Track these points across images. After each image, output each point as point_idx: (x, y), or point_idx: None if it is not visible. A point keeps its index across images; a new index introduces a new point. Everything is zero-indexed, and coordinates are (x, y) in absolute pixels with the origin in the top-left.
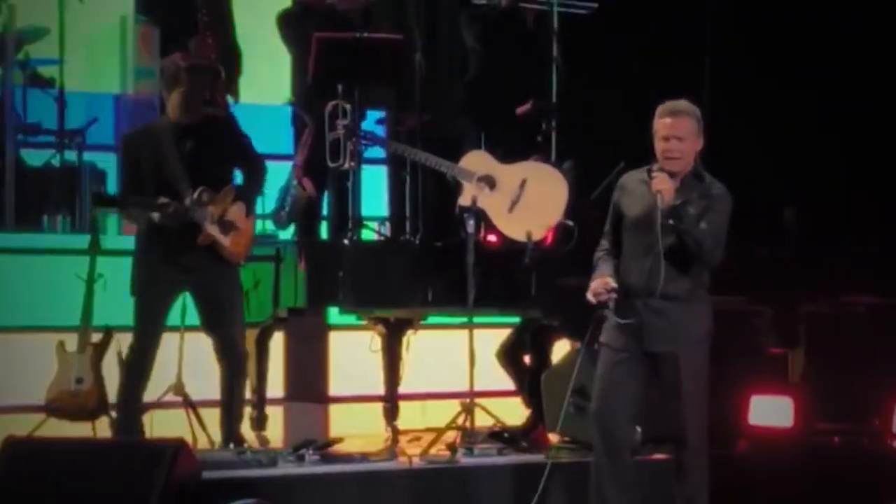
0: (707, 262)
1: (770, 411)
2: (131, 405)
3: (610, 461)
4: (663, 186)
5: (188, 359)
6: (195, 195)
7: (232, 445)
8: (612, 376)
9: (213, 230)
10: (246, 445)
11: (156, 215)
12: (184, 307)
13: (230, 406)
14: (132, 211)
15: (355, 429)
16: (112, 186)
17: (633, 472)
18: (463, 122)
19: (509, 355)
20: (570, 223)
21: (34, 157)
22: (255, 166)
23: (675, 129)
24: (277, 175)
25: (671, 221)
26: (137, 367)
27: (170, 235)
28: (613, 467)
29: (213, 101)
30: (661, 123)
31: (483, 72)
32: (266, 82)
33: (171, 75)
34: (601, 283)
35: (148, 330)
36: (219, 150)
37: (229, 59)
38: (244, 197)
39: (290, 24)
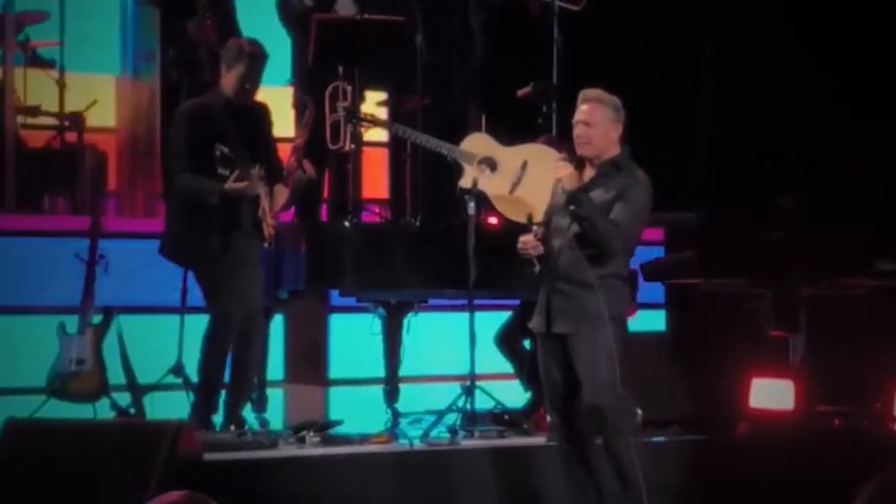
0: (607, 253)
1: (771, 394)
2: (213, 382)
3: (574, 444)
4: (562, 174)
5: (188, 340)
6: (256, 169)
7: (233, 427)
8: (540, 360)
9: (265, 205)
10: (246, 427)
11: (242, 183)
12: (184, 288)
13: (241, 386)
14: (204, 181)
15: (355, 411)
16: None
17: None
18: (464, 104)
19: (508, 339)
20: (573, 206)
21: (34, 139)
22: (277, 163)
23: (585, 115)
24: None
25: (571, 207)
26: (221, 341)
27: (227, 210)
28: (579, 447)
29: None
30: (577, 110)
31: (487, 56)
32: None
33: (233, 56)
34: (531, 237)
35: (235, 302)
36: (262, 137)
37: None
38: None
39: (289, 6)
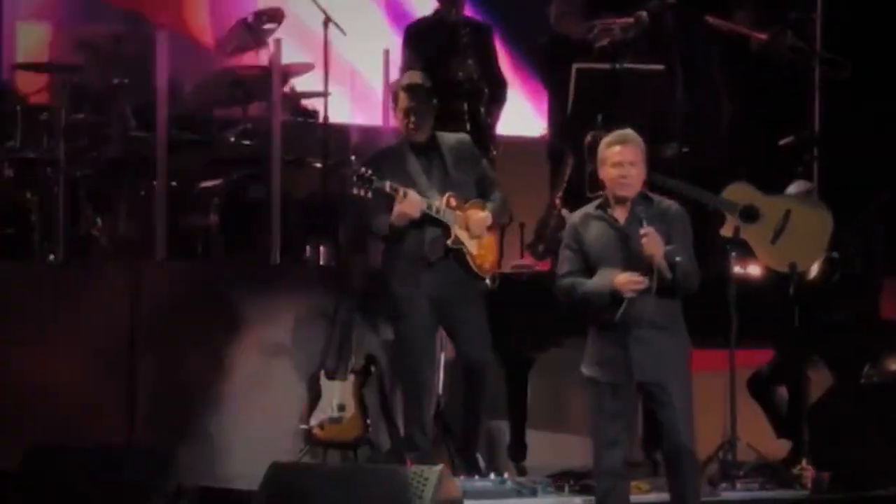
0: (689, 291)
1: None
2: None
3: (613, 490)
4: (654, 250)
5: (451, 385)
6: (444, 199)
7: (492, 475)
8: (603, 412)
9: (461, 234)
10: (506, 475)
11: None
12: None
13: (468, 430)
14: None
15: None
16: None
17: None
18: (723, 154)
19: (762, 387)
20: (836, 255)
21: (299, 189)
22: (491, 188)
23: (626, 155)
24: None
25: (670, 276)
26: (416, 394)
27: (420, 242)
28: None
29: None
30: (611, 152)
31: (740, 109)
32: (521, 115)
33: (392, 94)
34: (629, 276)
35: (421, 351)
36: (457, 168)
37: (492, 86)
38: (490, 209)
39: (543, 56)
